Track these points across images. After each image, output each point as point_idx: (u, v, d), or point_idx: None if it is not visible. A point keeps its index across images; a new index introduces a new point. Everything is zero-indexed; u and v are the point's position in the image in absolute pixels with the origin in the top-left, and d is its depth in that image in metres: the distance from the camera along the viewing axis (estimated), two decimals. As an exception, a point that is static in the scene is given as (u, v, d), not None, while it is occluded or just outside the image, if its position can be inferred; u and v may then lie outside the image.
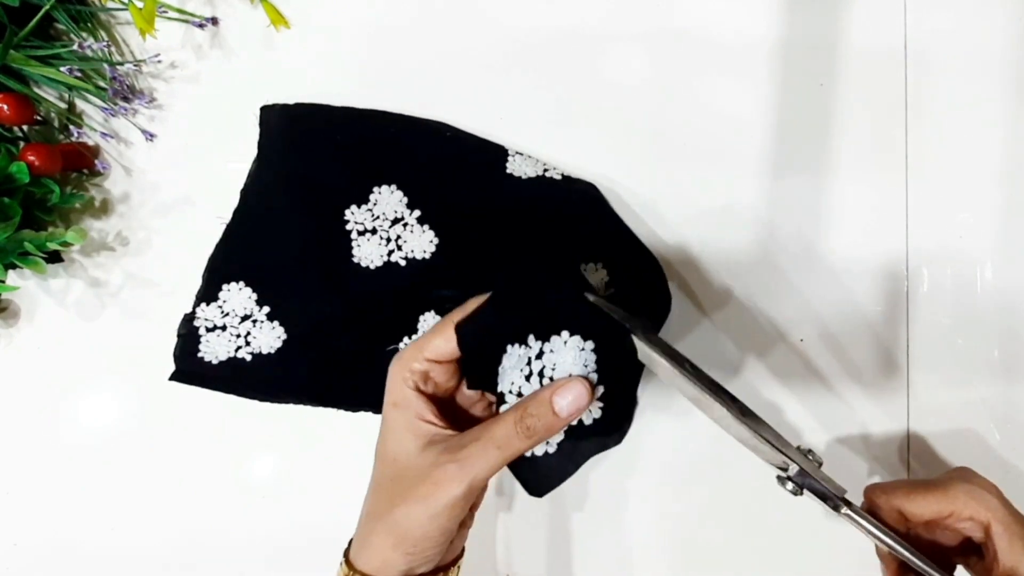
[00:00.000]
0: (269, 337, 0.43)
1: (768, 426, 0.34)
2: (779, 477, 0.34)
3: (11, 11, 0.40)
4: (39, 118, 0.43)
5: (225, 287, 0.43)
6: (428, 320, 0.43)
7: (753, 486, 0.43)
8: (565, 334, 0.33)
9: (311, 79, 0.44)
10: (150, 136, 0.44)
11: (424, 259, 0.42)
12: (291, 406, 0.44)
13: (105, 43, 0.42)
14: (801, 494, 0.33)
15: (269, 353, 0.43)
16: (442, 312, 0.42)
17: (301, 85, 0.44)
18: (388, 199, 0.43)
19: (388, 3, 0.45)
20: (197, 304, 0.43)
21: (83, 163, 0.44)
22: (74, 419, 0.44)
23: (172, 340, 0.43)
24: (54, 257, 0.43)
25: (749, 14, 0.44)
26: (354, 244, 0.43)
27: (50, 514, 0.44)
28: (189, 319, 0.43)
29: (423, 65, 0.45)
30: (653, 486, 0.44)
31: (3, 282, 0.41)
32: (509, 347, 0.34)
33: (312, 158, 0.43)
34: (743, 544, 0.44)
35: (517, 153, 0.43)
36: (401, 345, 0.43)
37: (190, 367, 0.43)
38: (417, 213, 0.43)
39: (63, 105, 0.44)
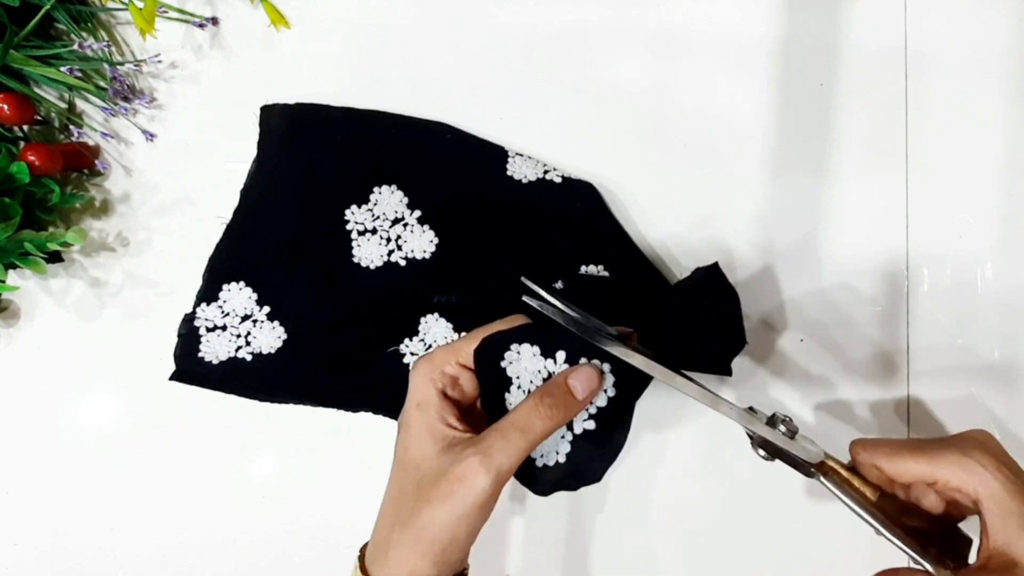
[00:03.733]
0: (269, 337, 0.43)
1: (730, 403, 0.33)
2: (751, 440, 0.34)
3: (11, 11, 0.40)
4: (39, 118, 0.43)
5: (225, 287, 0.43)
6: (430, 322, 0.43)
7: (750, 488, 0.43)
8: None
9: (311, 79, 0.44)
10: (150, 136, 0.44)
11: (424, 259, 0.42)
12: (291, 406, 0.44)
13: (105, 43, 0.42)
14: (772, 460, 0.33)
15: (269, 353, 0.43)
16: (445, 315, 0.42)
17: (301, 85, 0.44)
18: (388, 199, 0.43)
19: (388, 3, 0.45)
20: (197, 304, 0.43)
21: (83, 163, 0.44)
22: (74, 419, 0.44)
23: (172, 340, 0.43)
24: (54, 257, 0.43)
25: (749, 14, 0.45)
26: (354, 244, 0.43)
27: (50, 514, 0.44)
28: (189, 319, 0.43)
29: (423, 65, 0.45)
30: (654, 484, 0.44)
31: (3, 282, 0.41)
32: (527, 347, 0.34)
33: (312, 158, 0.43)
34: (745, 548, 0.44)
35: (517, 154, 0.43)
36: (402, 347, 0.43)
37: (190, 367, 0.43)
38: (417, 213, 0.43)
39: (63, 105, 0.44)
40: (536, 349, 0.34)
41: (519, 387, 0.34)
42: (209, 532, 0.44)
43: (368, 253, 0.43)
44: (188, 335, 0.43)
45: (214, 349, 0.43)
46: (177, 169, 0.44)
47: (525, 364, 0.34)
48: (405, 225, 0.43)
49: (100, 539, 0.44)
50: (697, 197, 0.44)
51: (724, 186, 0.44)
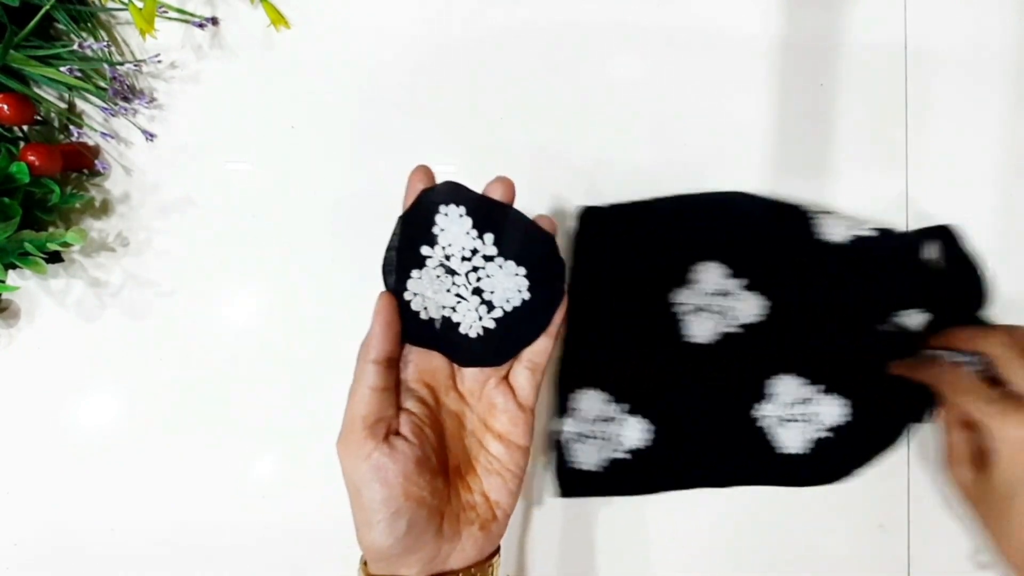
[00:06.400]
0: (637, 431, 0.42)
1: None
2: None
3: (11, 11, 0.40)
4: (39, 118, 0.43)
5: (576, 396, 0.42)
6: (778, 382, 0.42)
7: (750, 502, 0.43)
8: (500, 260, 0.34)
9: (311, 79, 0.44)
10: (150, 136, 0.44)
11: (761, 322, 0.42)
12: (290, 405, 0.44)
13: (105, 43, 0.42)
14: None
15: (646, 447, 0.42)
16: (794, 371, 0.42)
17: (301, 85, 0.44)
18: (710, 275, 0.42)
19: (388, 3, 0.45)
20: (558, 417, 0.43)
21: (83, 163, 0.44)
22: (74, 419, 0.44)
23: (172, 340, 0.43)
24: (54, 257, 0.43)
25: (749, 13, 0.45)
26: (684, 323, 0.42)
27: (50, 514, 0.44)
28: (556, 435, 0.42)
29: (423, 65, 0.45)
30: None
31: (3, 282, 0.41)
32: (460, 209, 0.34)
33: (630, 255, 0.43)
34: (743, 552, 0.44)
35: (819, 213, 0.43)
36: (754, 412, 0.42)
37: (573, 479, 0.42)
38: (744, 282, 0.42)
39: (63, 105, 0.44)
40: (468, 221, 0.33)
41: (437, 263, 0.34)
42: (209, 532, 0.44)
43: (702, 330, 0.42)
44: (560, 450, 0.42)
45: (588, 457, 0.42)
46: (177, 169, 0.44)
47: (455, 231, 0.34)
48: (731, 296, 0.42)
49: (100, 539, 0.44)
50: (697, 197, 0.44)
51: (724, 186, 0.44)
